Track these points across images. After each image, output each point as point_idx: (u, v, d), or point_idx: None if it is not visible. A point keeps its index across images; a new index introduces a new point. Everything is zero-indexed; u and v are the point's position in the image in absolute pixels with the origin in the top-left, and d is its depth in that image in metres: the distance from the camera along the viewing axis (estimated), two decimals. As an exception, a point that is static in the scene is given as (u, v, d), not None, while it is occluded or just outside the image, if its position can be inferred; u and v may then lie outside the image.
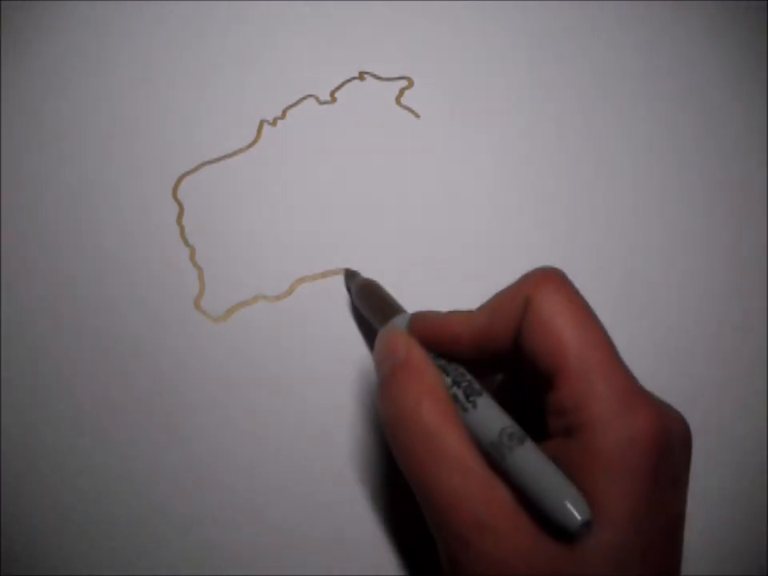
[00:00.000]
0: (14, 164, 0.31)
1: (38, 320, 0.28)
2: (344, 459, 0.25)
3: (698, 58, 0.35)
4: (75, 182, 0.31)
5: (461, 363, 0.21)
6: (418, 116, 0.33)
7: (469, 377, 0.20)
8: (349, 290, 0.28)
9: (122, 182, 0.31)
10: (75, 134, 0.32)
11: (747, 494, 0.26)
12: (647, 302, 0.29)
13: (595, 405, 0.17)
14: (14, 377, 0.26)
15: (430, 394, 0.19)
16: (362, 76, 0.34)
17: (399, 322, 0.22)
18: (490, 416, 0.19)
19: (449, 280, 0.29)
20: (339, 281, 0.29)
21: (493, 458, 0.18)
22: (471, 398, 0.19)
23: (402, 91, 0.34)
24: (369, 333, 0.27)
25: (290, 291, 0.28)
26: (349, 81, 0.34)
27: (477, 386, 0.20)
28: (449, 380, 0.20)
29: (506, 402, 0.20)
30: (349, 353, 0.27)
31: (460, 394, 0.19)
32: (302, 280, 0.29)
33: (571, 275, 0.20)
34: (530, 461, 0.17)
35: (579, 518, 0.16)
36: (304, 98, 0.33)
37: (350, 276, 0.28)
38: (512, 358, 0.20)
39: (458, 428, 0.18)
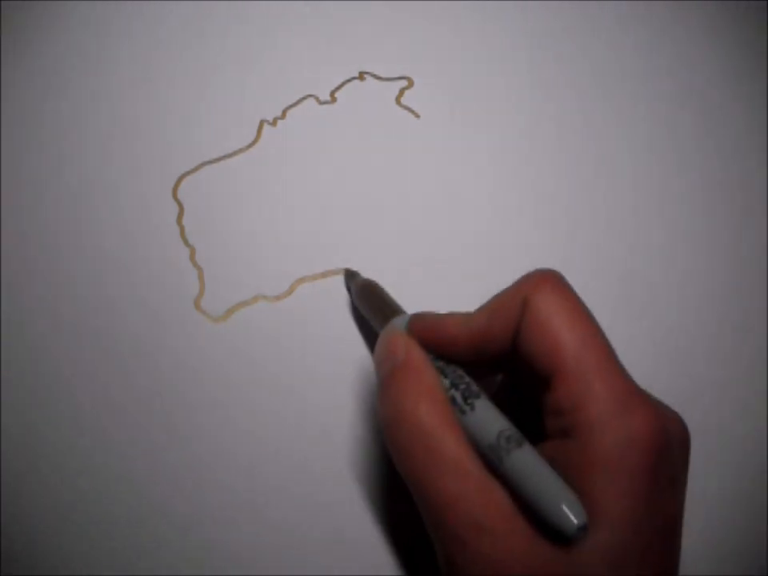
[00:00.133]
0: (14, 164, 0.31)
1: (37, 320, 0.28)
2: (344, 459, 0.25)
3: (698, 58, 0.35)
4: (75, 182, 0.31)
5: (459, 365, 0.21)
6: (418, 116, 0.33)
7: (467, 379, 0.20)
8: (349, 289, 0.28)
9: (122, 182, 0.31)
10: (75, 134, 0.32)
11: (747, 493, 0.26)
12: (647, 301, 0.29)
13: (592, 405, 0.17)
14: (14, 377, 0.26)
15: (428, 395, 0.19)
16: (361, 76, 0.34)
17: (399, 323, 0.22)
18: (488, 418, 0.19)
19: (449, 280, 0.29)
20: (339, 281, 0.29)
21: (490, 461, 0.18)
22: (469, 401, 0.19)
23: (401, 91, 0.34)
24: (368, 333, 0.27)
25: (289, 291, 0.28)
26: (349, 81, 0.34)
27: (475, 388, 0.20)
28: (447, 382, 0.20)
29: (503, 403, 0.20)
30: (349, 353, 0.27)
31: (458, 396, 0.19)
32: (302, 280, 0.29)
33: (571, 275, 0.20)
34: (528, 464, 0.17)
35: (575, 521, 0.16)
36: (304, 98, 0.33)
37: (350, 276, 0.28)
38: (510, 360, 0.20)
39: (455, 430, 0.18)
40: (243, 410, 0.26)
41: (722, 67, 0.35)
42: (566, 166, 0.32)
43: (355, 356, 0.27)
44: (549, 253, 0.30)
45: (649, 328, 0.28)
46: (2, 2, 0.35)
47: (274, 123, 0.32)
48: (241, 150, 0.32)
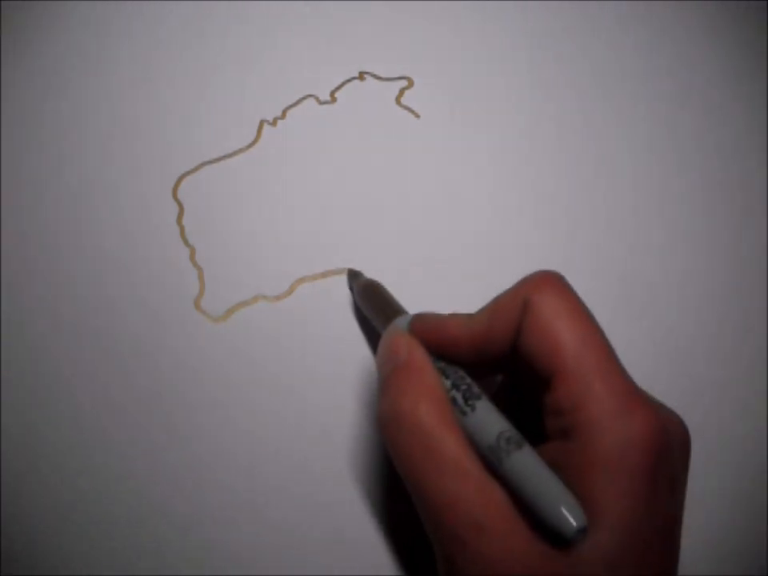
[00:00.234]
0: (14, 164, 0.31)
1: (38, 320, 0.28)
2: (344, 459, 0.25)
3: (698, 58, 0.35)
4: (75, 182, 0.31)
5: (460, 366, 0.21)
6: (418, 116, 0.33)
7: (468, 380, 0.20)
8: (351, 289, 0.28)
9: (122, 182, 0.31)
10: (75, 134, 0.32)
11: (747, 493, 0.26)
12: (647, 302, 0.29)
13: (593, 406, 0.17)
14: (14, 377, 0.26)
15: (428, 395, 0.19)
16: (361, 76, 0.34)
17: (401, 324, 0.22)
18: (489, 420, 0.19)
19: (449, 280, 0.29)
20: (339, 281, 0.29)
21: (490, 462, 0.18)
22: (470, 402, 0.19)
23: (402, 91, 0.34)
24: (371, 333, 0.27)
25: (289, 291, 0.28)
26: (349, 81, 0.34)
27: (476, 389, 0.20)
28: (448, 383, 0.20)
29: (503, 404, 0.20)
30: (349, 353, 0.27)
31: (459, 397, 0.19)
32: (302, 280, 0.29)
33: (571, 275, 0.20)
34: (527, 465, 0.17)
35: (575, 524, 0.16)
36: (304, 98, 0.33)
37: (353, 276, 0.28)
38: (510, 361, 0.20)
39: (455, 430, 0.18)
40: (243, 409, 0.26)
41: (721, 67, 0.35)
42: (566, 166, 0.32)
43: (355, 356, 0.27)
44: (549, 253, 0.30)
45: (649, 328, 0.28)
46: (2, 2, 0.35)
47: (273, 123, 0.32)
48: (241, 150, 0.32)
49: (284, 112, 0.33)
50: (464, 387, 0.20)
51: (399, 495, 0.24)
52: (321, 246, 0.29)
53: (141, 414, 0.26)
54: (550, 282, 0.19)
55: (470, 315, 0.21)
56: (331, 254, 0.29)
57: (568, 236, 0.30)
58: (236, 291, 0.28)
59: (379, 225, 0.30)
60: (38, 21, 0.35)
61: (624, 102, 0.34)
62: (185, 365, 0.27)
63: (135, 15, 0.35)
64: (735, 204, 0.31)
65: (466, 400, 0.19)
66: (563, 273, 0.20)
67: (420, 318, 0.22)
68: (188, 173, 0.31)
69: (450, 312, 0.22)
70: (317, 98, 0.33)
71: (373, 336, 0.27)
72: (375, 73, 0.34)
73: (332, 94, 0.33)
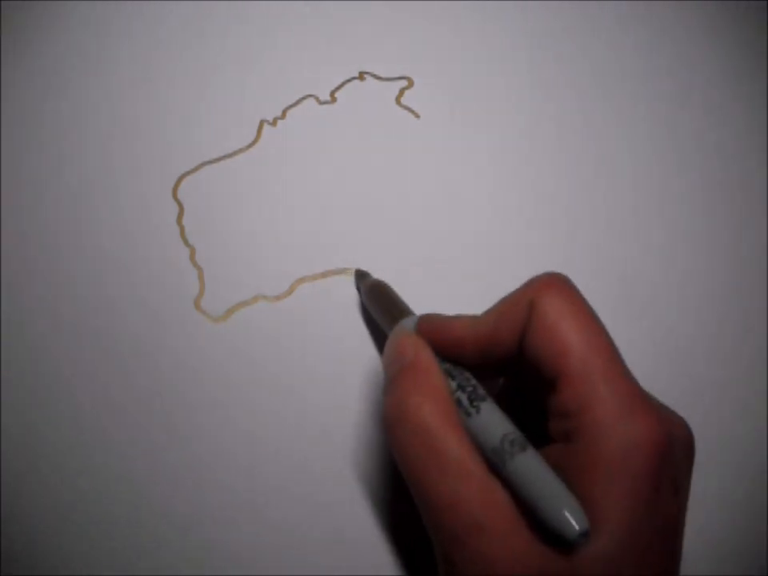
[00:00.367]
0: (14, 164, 0.31)
1: (38, 320, 0.28)
2: (344, 459, 0.25)
3: (698, 58, 0.35)
4: (75, 182, 0.31)
5: (466, 367, 0.21)
6: (418, 116, 0.33)
7: (474, 382, 0.20)
8: (359, 289, 0.28)
9: (122, 182, 0.31)
10: (75, 134, 0.32)
11: (747, 493, 0.26)
12: (647, 302, 0.29)
13: (597, 408, 0.17)
14: (14, 377, 0.26)
15: (434, 396, 0.19)
16: (361, 76, 0.34)
17: (407, 324, 0.22)
18: (493, 422, 0.19)
19: (449, 280, 0.29)
20: (339, 281, 0.29)
21: (494, 464, 0.18)
22: (475, 403, 0.19)
23: (402, 91, 0.34)
24: (377, 333, 0.27)
25: (289, 291, 0.28)
26: (349, 81, 0.34)
27: (481, 391, 0.20)
28: (454, 384, 0.20)
29: (506, 406, 0.20)
30: (349, 353, 0.27)
31: (464, 398, 0.19)
32: (302, 280, 0.29)
33: (571, 275, 0.20)
34: (531, 468, 0.17)
35: (577, 527, 0.16)
36: (304, 98, 0.33)
37: (360, 276, 0.28)
38: (515, 362, 0.20)
39: (459, 431, 0.19)
40: (243, 409, 0.26)
41: (722, 67, 0.35)
42: (566, 166, 0.32)
43: (355, 356, 0.27)
44: (549, 253, 0.30)
45: (649, 328, 0.28)
46: (2, 2, 0.35)
47: (273, 123, 0.32)
48: (241, 150, 0.32)
49: (284, 112, 0.33)
50: (469, 389, 0.20)
51: (399, 495, 0.24)
52: (321, 246, 0.29)
53: (141, 414, 0.26)
54: (555, 284, 0.19)
55: (475, 317, 0.21)
56: (331, 254, 0.29)
57: (568, 236, 0.30)
58: (236, 291, 0.28)
59: (379, 225, 0.30)
60: (37, 21, 0.35)
61: (624, 102, 0.34)
62: (185, 365, 0.27)
63: (135, 15, 0.35)
64: (735, 204, 0.31)
65: (471, 401, 0.19)
66: (563, 273, 0.20)
67: (426, 318, 0.22)
68: (188, 173, 0.31)
69: (452, 312, 0.22)
70: (317, 98, 0.33)
71: (379, 337, 0.27)
72: (375, 73, 0.34)
73: (332, 94, 0.33)
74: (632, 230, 0.30)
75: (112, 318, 0.28)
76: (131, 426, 0.26)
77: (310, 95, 0.33)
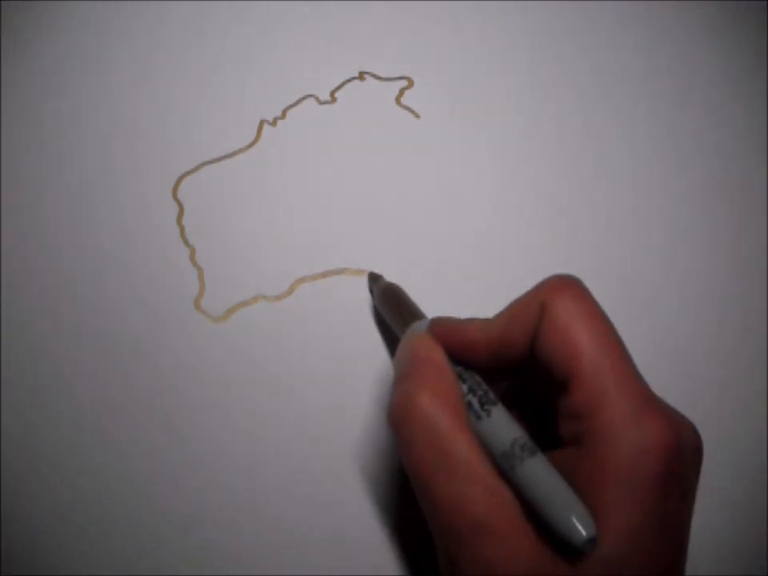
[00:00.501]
0: (14, 164, 0.31)
1: (37, 320, 0.28)
2: (344, 459, 0.25)
3: (698, 58, 0.35)
4: (75, 182, 0.31)
5: (477, 371, 0.21)
6: (418, 116, 0.33)
7: (485, 386, 0.20)
8: (371, 292, 0.28)
9: (122, 182, 0.31)
10: (75, 134, 0.32)
11: (747, 493, 0.26)
12: (647, 302, 0.29)
13: (609, 410, 0.17)
14: (14, 377, 0.26)
15: (444, 397, 0.19)
16: (361, 76, 0.34)
17: (420, 327, 0.22)
18: (503, 426, 0.19)
19: (449, 280, 0.29)
20: (339, 281, 0.29)
21: (503, 468, 0.18)
22: (486, 407, 0.19)
23: (402, 91, 0.34)
24: (388, 335, 0.27)
25: (289, 291, 0.28)
26: (349, 81, 0.34)
27: (492, 395, 0.20)
28: (465, 387, 0.20)
29: (514, 410, 0.20)
30: (349, 353, 0.27)
31: (475, 402, 0.19)
32: (302, 280, 0.29)
33: (571, 275, 0.20)
34: (540, 473, 0.17)
35: (585, 534, 0.16)
36: (304, 98, 0.33)
37: (373, 279, 0.28)
38: (526, 365, 0.20)
39: (467, 433, 0.18)
40: (243, 409, 0.26)
41: (721, 67, 0.35)
42: (566, 166, 0.32)
43: (355, 356, 0.27)
44: (549, 253, 0.30)
45: (649, 328, 0.28)
46: (2, 2, 0.35)
47: (273, 123, 0.32)
48: (241, 150, 0.32)
49: (284, 112, 0.33)
50: (480, 392, 0.20)
51: (400, 495, 0.24)
52: (321, 246, 0.29)
53: (141, 414, 0.26)
54: (567, 285, 0.19)
55: (487, 319, 0.21)
56: (331, 254, 0.29)
57: (568, 236, 0.30)
58: (236, 291, 0.28)
59: (379, 225, 0.30)
60: (37, 21, 0.35)
61: (624, 102, 0.34)
62: (185, 365, 0.27)
63: (135, 15, 0.35)
64: (735, 204, 0.31)
65: (482, 405, 0.19)
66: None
67: (438, 321, 0.22)
68: (188, 173, 0.31)
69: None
70: (317, 98, 0.33)
71: (390, 340, 0.27)
72: (375, 73, 0.34)
73: (332, 94, 0.33)
74: (632, 229, 0.30)
75: (112, 318, 0.28)
76: (131, 426, 0.26)
77: (310, 95, 0.33)
